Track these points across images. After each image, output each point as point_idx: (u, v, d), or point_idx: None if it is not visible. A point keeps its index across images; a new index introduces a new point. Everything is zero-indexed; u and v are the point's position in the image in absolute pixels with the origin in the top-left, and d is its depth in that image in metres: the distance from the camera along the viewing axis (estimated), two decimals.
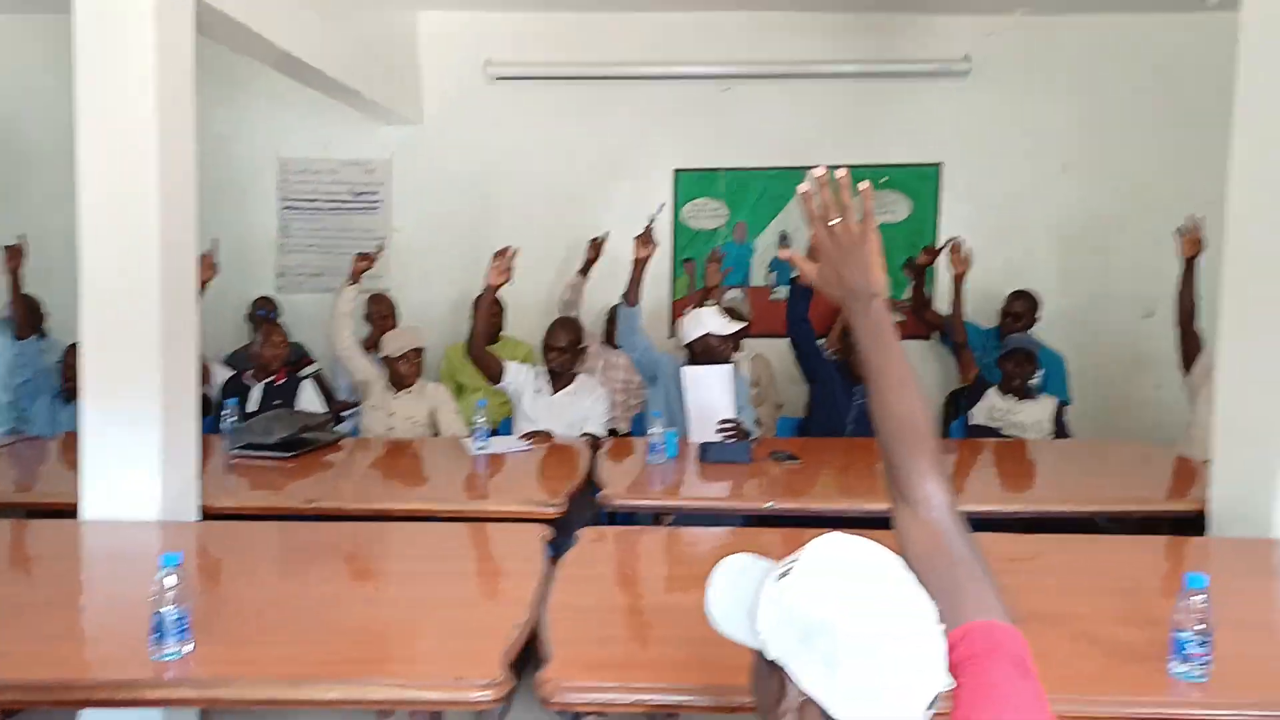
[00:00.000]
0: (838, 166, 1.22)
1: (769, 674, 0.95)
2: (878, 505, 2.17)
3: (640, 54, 4.96)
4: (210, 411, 3.87)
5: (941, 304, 4.73)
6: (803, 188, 1.21)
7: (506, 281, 3.56)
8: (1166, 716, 1.61)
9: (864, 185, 1.19)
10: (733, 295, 4.79)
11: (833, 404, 3.84)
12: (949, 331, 4.44)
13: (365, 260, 4.09)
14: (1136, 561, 2.36)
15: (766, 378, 4.58)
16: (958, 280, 4.30)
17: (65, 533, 2.50)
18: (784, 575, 0.95)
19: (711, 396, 3.46)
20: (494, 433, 3.94)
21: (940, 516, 1.11)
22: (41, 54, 4.58)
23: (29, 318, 4.12)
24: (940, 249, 4.58)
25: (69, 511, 2.57)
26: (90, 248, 2.51)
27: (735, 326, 3.64)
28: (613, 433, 4.02)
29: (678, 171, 5.08)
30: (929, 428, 1.14)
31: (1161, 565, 2.40)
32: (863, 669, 0.87)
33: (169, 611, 1.66)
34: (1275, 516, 2.46)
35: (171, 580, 1.67)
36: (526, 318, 4.71)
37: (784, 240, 5.03)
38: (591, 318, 4.74)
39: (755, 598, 0.96)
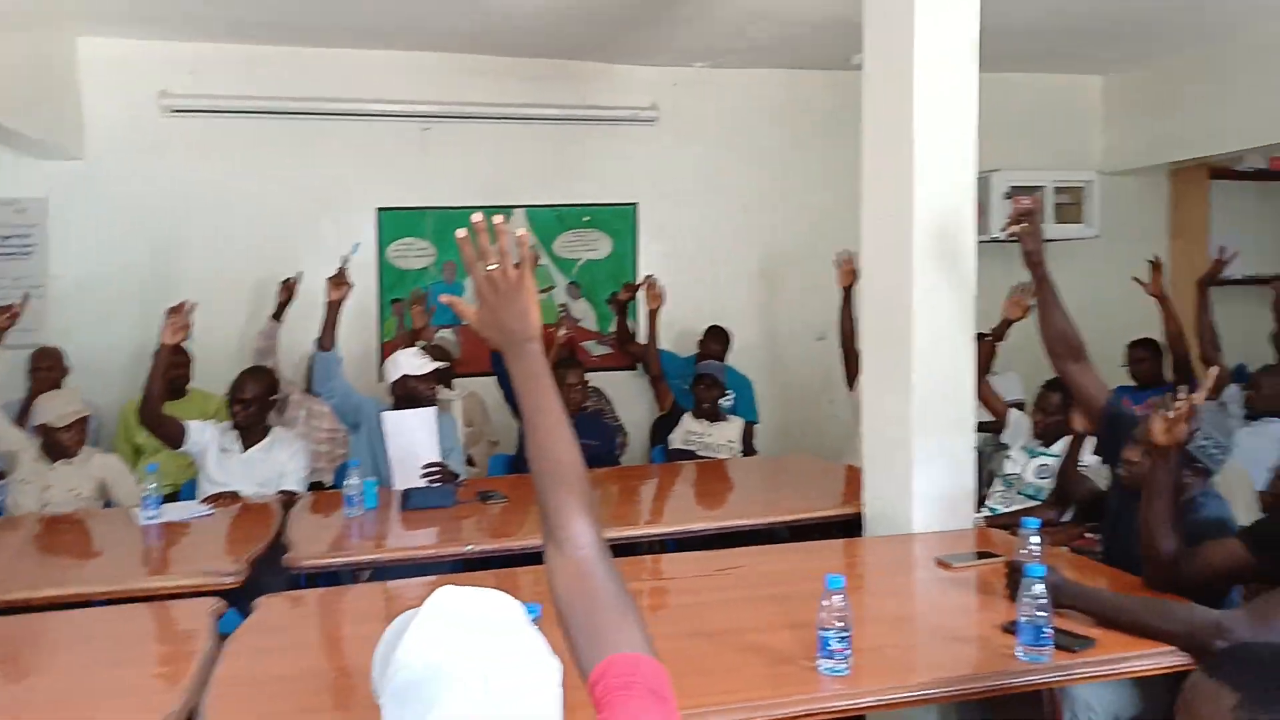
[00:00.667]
0: (501, 209, 1.25)
1: None
2: None
3: (336, 90, 4.80)
4: None
5: (643, 337, 4.97)
6: (460, 233, 1.22)
7: (184, 339, 3.28)
8: (815, 711, 1.77)
9: (520, 232, 1.22)
10: (443, 334, 4.74)
11: None
12: (647, 363, 4.68)
13: (5, 314, 3.59)
14: (801, 567, 2.58)
15: (480, 416, 4.57)
16: (652, 315, 4.55)
17: None
18: (391, 637, 0.96)
19: (414, 440, 3.39)
20: (175, 497, 3.62)
21: (587, 554, 1.14)
22: None
23: None
24: (638, 286, 4.82)
25: None
26: None
27: (431, 366, 3.59)
28: (317, 485, 3.82)
29: (380, 210, 4.96)
30: (579, 469, 1.18)
31: (823, 568, 2.64)
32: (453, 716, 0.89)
33: None
34: (912, 514, 2.81)
35: None
36: (217, 368, 4.35)
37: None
38: (291, 365, 4.49)
39: (387, 657, 0.96)
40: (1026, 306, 3.48)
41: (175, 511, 3.15)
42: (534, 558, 2.52)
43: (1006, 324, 3.76)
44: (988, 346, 3.69)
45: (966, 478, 2.87)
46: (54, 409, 3.45)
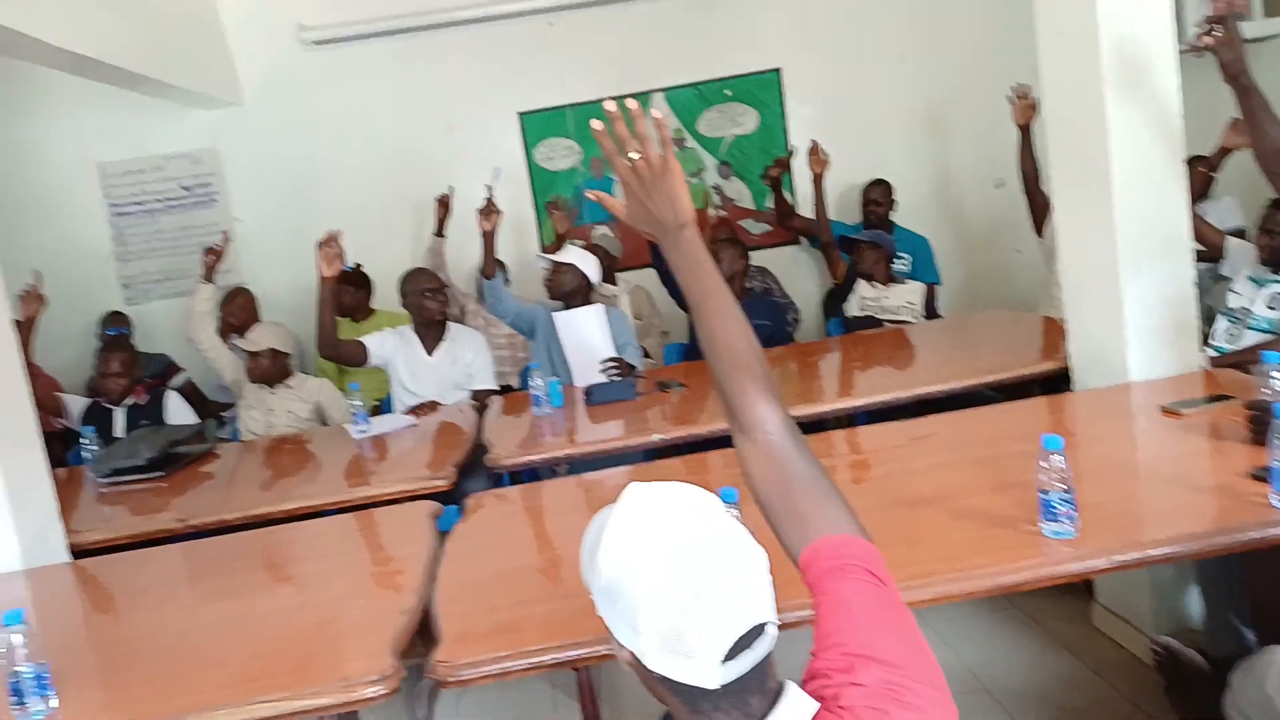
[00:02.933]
0: (639, 95, 1.19)
1: (608, 632, 0.95)
2: None
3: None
4: (74, 444, 3.65)
5: (805, 208, 4.78)
6: (596, 125, 1.18)
7: (340, 269, 3.39)
8: (1045, 577, 1.67)
9: (656, 113, 1.14)
10: (602, 232, 4.73)
11: None
12: (816, 232, 4.50)
13: (213, 254, 3.88)
14: (1008, 428, 2.44)
15: (648, 308, 4.57)
16: (817, 181, 4.34)
17: None
18: (592, 538, 0.96)
19: (588, 337, 3.42)
20: (379, 410, 3.84)
21: (776, 438, 1.10)
22: None
23: None
24: (789, 157, 4.61)
25: None
26: None
27: (572, 256, 3.58)
28: (505, 389, 3.96)
29: (522, 115, 4.94)
30: (755, 351, 1.13)
31: (1031, 427, 2.49)
32: (657, 625, 0.87)
33: (24, 670, 1.56)
34: (1128, 361, 2.58)
35: (18, 639, 1.55)
36: (392, 290, 4.55)
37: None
38: (462, 277, 4.62)
39: (590, 562, 0.96)
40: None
41: (383, 424, 3.33)
42: (721, 441, 2.50)
43: (1224, 153, 3.32)
44: (1200, 175, 3.29)
45: (1188, 314, 2.58)
46: (249, 339, 3.73)
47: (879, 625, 0.96)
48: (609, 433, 3.05)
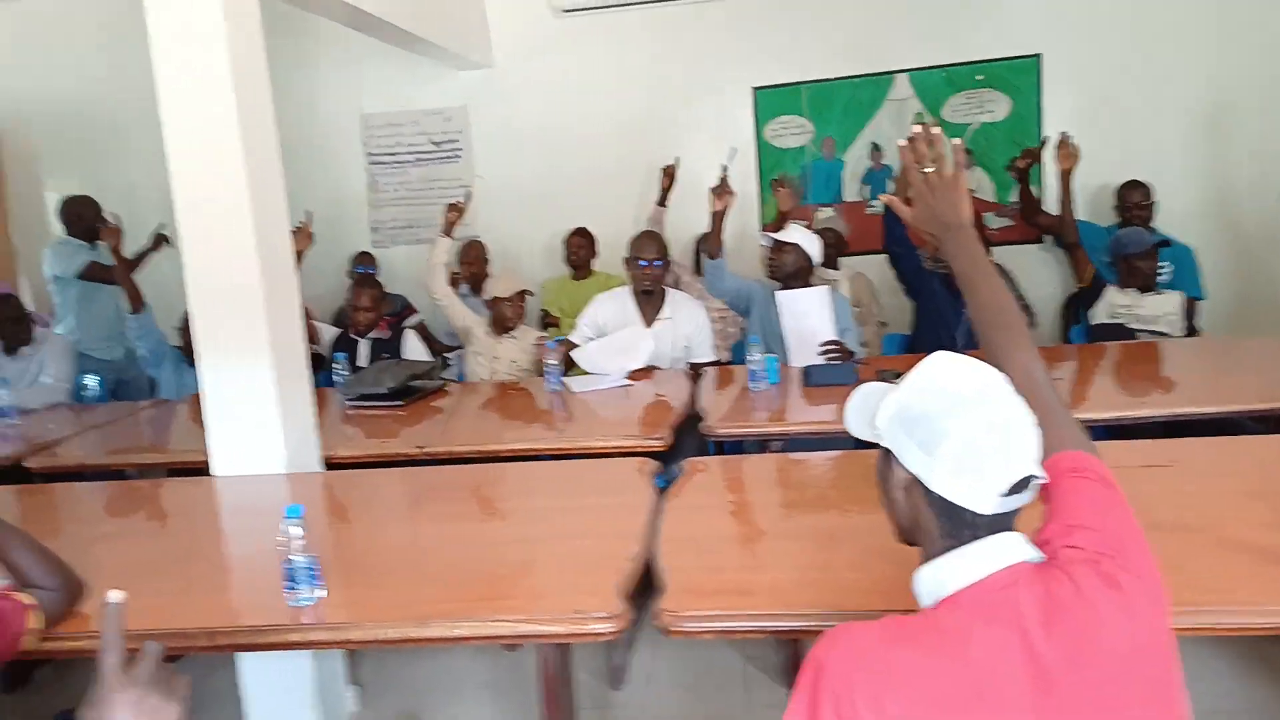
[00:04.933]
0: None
1: (885, 462, 1.13)
2: None
3: None
4: (323, 367, 4.01)
5: (1051, 204, 4.48)
6: (902, 143, 1.42)
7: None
8: None
9: (956, 141, 1.40)
10: (827, 214, 4.65)
11: (939, 319, 3.69)
12: (1061, 231, 4.21)
13: (455, 211, 4.13)
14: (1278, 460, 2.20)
15: (868, 296, 4.45)
16: (1065, 176, 4.05)
17: (200, 489, 2.64)
18: (898, 383, 1.13)
19: (809, 318, 3.37)
20: None
21: (1036, 381, 1.22)
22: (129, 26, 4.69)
23: (138, 291, 4.31)
24: (1040, 149, 4.32)
25: (202, 469, 2.70)
26: (186, 218, 2.58)
27: (796, 236, 3.51)
28: (714, 363, 3.98)
29: (757, 89, 4.91)
30: (1020, 318, 1.32)
31: None
32: (951, 450, 1.03)
33: (299, 560, 1.73)
34: None
35: (297, 531, 1.73)
36: (617, 254, 4.68)
37: (876, 151, 4.83)
38: (680, 248, 4.68)
39: (876, 404, 1.14)
40: None
41: (604, 381, 3.45)
42: None
43: None
44: None
45: None
46: (501, 285, 3.95)
47: (1100, 509, 1.09)
48: (824, 414, 3.00)
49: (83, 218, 4.46)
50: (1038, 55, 4.65)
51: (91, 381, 4.13)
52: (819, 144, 4.89)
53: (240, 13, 2.55)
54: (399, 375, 3.50)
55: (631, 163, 5.00)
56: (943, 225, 1.39)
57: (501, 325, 3.94)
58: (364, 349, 4.13)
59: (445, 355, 4.75)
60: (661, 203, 4.56)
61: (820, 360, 3.27)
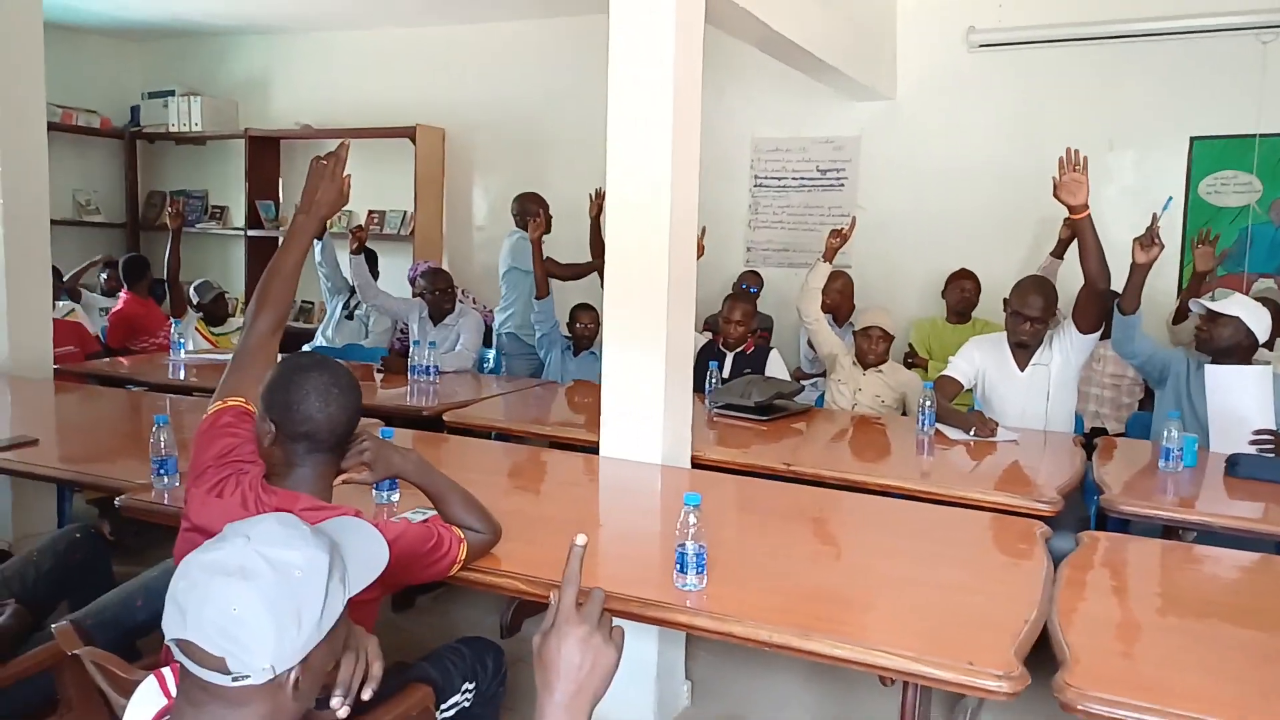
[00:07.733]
0: None
1: None
2: None
3: (1150, 9, 4.35)
4: None
5: None
6: None
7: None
8: None
9: None
10: (1265, 285, 4.03)
11: None
12: None
13: (838, 237, 4.13)
14: None
15: None
16: None
17: (588, 464, 2.87)
18: None
19: (1243, 402, 2.93)
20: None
21: None
22: (561, 54, 5.26)
23: (546, 279, 4.78)
24: None
25: (577, 446, 2.94)
26: (614, 216, 2.82)
27: (1237, 307, 3.05)
28: (1100, 431, 3.61)
29: (1194, 139, 4.39)
30: None
31: None
32: None
33: (691, 547, 1.81)
34: None
35: (694, 519, 1.81)
36: (996, 299, 4.42)
37: None
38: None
39: None
40: None
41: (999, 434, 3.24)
42: None
43: None
44: None
45: None
46: (868, 317, 3.93)
47: None
48: (1248, 511, 2.60)
49: (525, 212, 4.86)
50: None
51: (490, 355, 4.70)
52: (1267, 206, 4.26)
53: (687, 41, 2.77)
54: (766, 391, 3.57)
55: (1023, 207, 4.70)
56: None
57: (863, 358, 3.88)
58: (729, 361, 4.27)
59: (800, 380, 4.79)
60: (1059, 254, 4.23)
61: (1251, 450, 2.84)
